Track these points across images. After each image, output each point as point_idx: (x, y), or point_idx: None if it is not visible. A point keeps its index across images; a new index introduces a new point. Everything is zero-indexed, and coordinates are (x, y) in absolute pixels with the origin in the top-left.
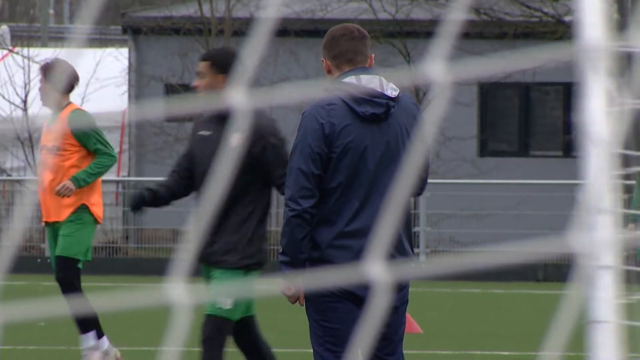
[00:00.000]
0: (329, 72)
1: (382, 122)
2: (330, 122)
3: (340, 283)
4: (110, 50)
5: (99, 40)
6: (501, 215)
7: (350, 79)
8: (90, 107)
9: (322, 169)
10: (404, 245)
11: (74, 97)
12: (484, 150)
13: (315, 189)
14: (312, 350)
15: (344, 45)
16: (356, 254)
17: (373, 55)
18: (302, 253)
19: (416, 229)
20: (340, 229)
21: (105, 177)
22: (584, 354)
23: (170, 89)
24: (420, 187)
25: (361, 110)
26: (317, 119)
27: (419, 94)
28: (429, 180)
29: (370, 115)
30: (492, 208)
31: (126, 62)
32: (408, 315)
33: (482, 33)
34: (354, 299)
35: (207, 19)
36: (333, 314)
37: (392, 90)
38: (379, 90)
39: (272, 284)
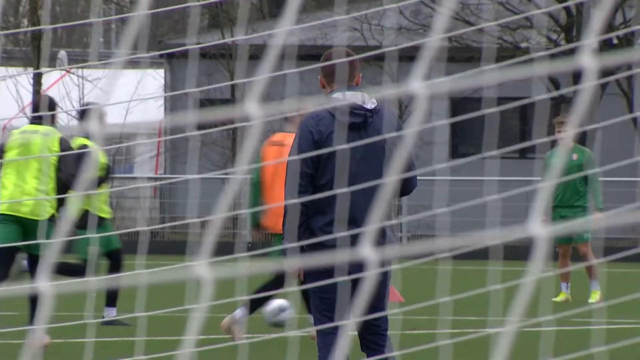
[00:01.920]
0: (323, 87)
1: (361, 130)
2: (318, 130)
3: (333, 262)
4: (149, 71)
5: (140, 62)
6: (472, 206)
7: (337, 95)
8: (133, 118)
9: (314, 169)
10: (385, 231)
11: (118, 110)
12: (455, 152)
13: (309, 186)
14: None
15: (334, 67)
16: (345, 239)
17: (361, 74)
18: (300, 238)
19: (400, 217)
20: (330, 217)
21: (144, 174)
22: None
23: (199, 103)
24: (406, 187)
25: (343, 119)
26: (308, 127)
27: (402, 106)
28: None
29: (350, 124)
30: (463, 200)
31: (162, 81)
32: (391, 287)
33: (453, 57)
34: (346, 274)
35: (229, 46)
36: (328, 287)
37: (371, 104)
38: (360, 104)
39: (279, 264)
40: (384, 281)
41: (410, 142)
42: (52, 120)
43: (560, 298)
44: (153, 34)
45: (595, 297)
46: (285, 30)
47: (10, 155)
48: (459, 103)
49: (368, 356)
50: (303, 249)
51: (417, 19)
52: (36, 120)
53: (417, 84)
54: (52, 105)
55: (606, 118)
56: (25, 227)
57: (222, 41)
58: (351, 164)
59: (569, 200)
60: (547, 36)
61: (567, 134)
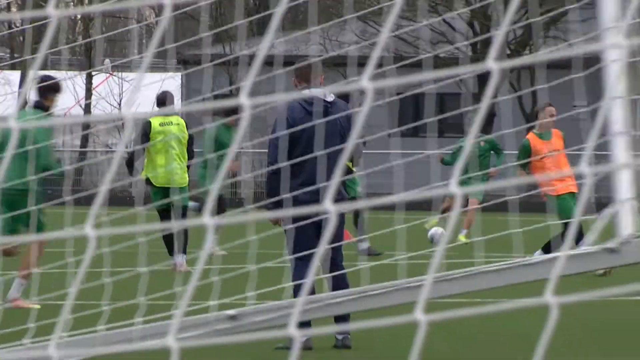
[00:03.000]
0: (295, 86)
1: (324, 117)
2: (292, 116)
3: (303, 214)
4: (170, 74)
5: (163, 67)
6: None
7: (305, 91)
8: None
9: (289, 145)
10: (341, 190)
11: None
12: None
13: (286, 156)
14: None
15: (303, 71)
16: (313, 195)
17: (323, 76)
18: (277, 193)
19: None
20: (303, 178)
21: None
22: None
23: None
24: (357, 157)
25: (310, 109)
26: (285, 114)
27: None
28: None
29: (314, 112)
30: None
31: (179, 81)
32: (345, 230)
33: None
34: (313, 223)
35: (228, 55)
36: (299, 231)
37: (330, 97)
38: (321, 97)
39: (263, 215)
40: (340, 225)
41: (359, 125)
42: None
43: (461, 239)
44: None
45: (463, 239)
46: (268, 45)
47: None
48: (406, 98)
49: (330, 284)
50: (281, 204)
51: (364, 36)
52: (163, 110)
53: (366, 82)
54: (171, 99)
55: (501, 109)
56: (172, 192)
57: (227, 58)
58: (316, 141)
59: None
60: (457, 48)
61: (476, 124)
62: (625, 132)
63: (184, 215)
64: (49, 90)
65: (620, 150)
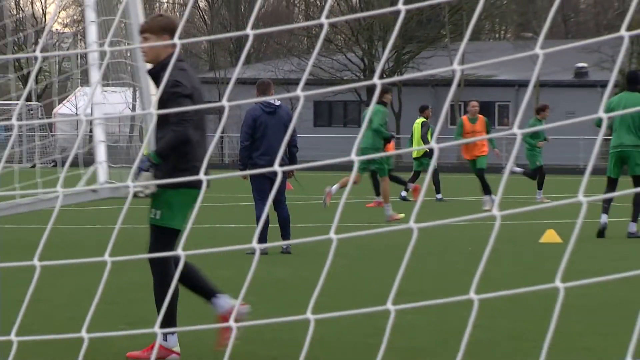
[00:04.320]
0: (257, 96)
1: (273, 115)
2: (255, 114)
3: (261, 171)
4: None
5: None
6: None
7: (262, 98)
8: None
9: (253, 131)
10: (284, 157)
11: None
12: (316, 124)
13: (251, 138)
14: None
15: (261, 86)
16: (267, 161)
17: (273, 90)
18: (246, 160)
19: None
20: (261, 151)
21: None
22: None
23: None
24: (293, 141)
25: (265, 109)
26: (250, 113)
27: (292, 104)
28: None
29: (268, 111)
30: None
31: None
32: (288, 183)
33: (315, 78)
34: (267, 176)
35: (218, 77)
36: (258, 183)
37: (277, 102)
38: (272, 102)
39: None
40: (283, 179)
41: (294, 121)
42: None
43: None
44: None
45: (411, 196)
46: (239, 71)
47: None
48: (323, 100)
49: (277, 215)
50: (247, 167)
51: (299, 66)
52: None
53: (299, 92)
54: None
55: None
56: None
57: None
58: (268, 130)
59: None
60: (354, 73)
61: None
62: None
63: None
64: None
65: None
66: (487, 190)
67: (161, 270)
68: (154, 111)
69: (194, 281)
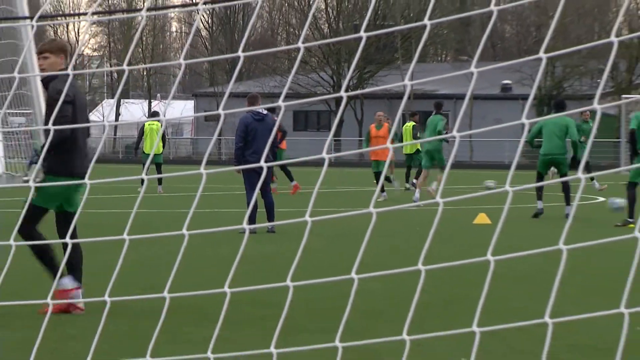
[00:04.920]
0: (248, 105)
1: (261, 121)
2: (246, 121)
3: (252, 167)
4: (189, 102)
5: (184, 97)
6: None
7: (252, 108)
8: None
9: (245, 135)
10: (269, 155)
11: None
12: (295, 129)
13: (244, 140)
14: None
15: (251, 98)
16: (256, 159)
17: (261, 102)
18: (239, 159)
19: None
20: (252, 150)
21: None
22: None
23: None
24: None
25: (255, 117)
26: (243, 120)
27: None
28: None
29: (257, 119)
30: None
31: (193, 105)
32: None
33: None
34: (256, 171)
35: (217, 91)
36: (249, 176)
37: (264, 112)
38: (260, 112)
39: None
40: (268, 173)
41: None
42: None
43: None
44: (190, 85)
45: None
46: (232, 85)
47: None
48: (301, 109)
49: (264, 201)
50: (241, 163)
51: (281, 82)
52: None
53: (280, 102)
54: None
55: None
56: None
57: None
58: (258, 135)
59: None
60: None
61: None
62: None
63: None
64: None
65: None
66: (382, 188)
67: (31, 239)
68: (51, 127)
69: (46, 258)
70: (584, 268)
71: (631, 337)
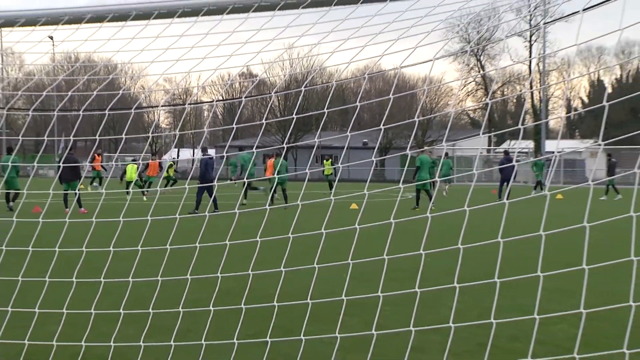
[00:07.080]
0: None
1: (209, 159)
2: (204, 159)
3: (205, 184)
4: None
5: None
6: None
7: (207, 151)
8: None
9: (204, 166)
10: (209, 175)
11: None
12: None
13: (204, 170)
14: None
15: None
16: (207, 179)
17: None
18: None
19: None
20: (205, 177)
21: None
22: None
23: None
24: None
25: (206, 158)
26: (203, 160)
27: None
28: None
29: (207, 158)
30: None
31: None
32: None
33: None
34: (206, 187)
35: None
36: (201, 189)
37: (212, 154)
38: (209, 155)
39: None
40: (210, 187)
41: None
42: None
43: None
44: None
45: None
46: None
47: None
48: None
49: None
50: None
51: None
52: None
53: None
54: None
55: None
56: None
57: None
58: (207, 166)
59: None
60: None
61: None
62: None
63: None
64: None
65: None
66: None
67: None
68: None
69: None
70: None
71: None
